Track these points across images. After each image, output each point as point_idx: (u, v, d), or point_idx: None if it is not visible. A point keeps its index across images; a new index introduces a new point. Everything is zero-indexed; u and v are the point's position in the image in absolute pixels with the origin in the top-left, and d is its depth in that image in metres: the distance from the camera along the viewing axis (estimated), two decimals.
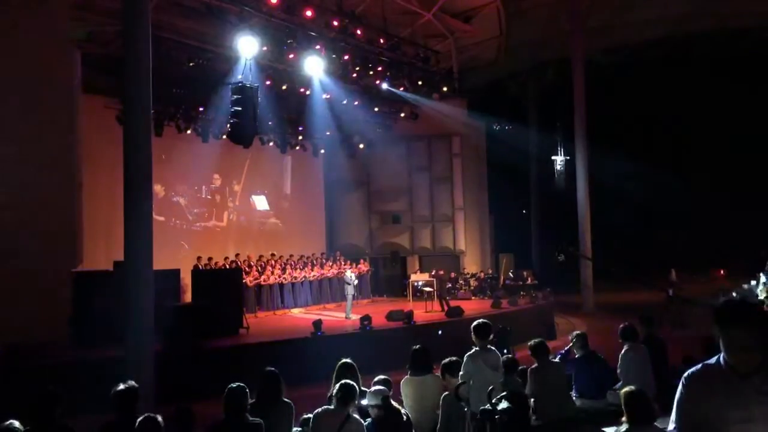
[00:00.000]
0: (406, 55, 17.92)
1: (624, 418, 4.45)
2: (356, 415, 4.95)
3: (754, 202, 29.91)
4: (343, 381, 5.07)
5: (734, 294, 18.34)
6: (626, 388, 4.60)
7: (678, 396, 2.78)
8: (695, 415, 2.68)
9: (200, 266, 16.52)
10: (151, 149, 9.98)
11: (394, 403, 5.36)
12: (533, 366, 6.79)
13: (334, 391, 5.03)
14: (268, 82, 16.74)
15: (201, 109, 17.52)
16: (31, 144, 11.48)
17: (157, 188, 17.75)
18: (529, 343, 7.02)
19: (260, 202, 21.77)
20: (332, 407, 4.95)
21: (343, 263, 20.55)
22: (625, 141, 30.97)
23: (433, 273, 19.22)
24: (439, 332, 14.00)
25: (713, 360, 2.74)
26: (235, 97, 12.45)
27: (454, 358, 6.13)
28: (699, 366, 2.78)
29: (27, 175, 11.37)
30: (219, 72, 16.08)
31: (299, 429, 5.37)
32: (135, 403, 5.07)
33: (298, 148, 21.49)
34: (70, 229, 12.12)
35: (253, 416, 4.82)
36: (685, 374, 2.78)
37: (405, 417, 5.37)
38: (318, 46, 15.49)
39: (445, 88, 20.21)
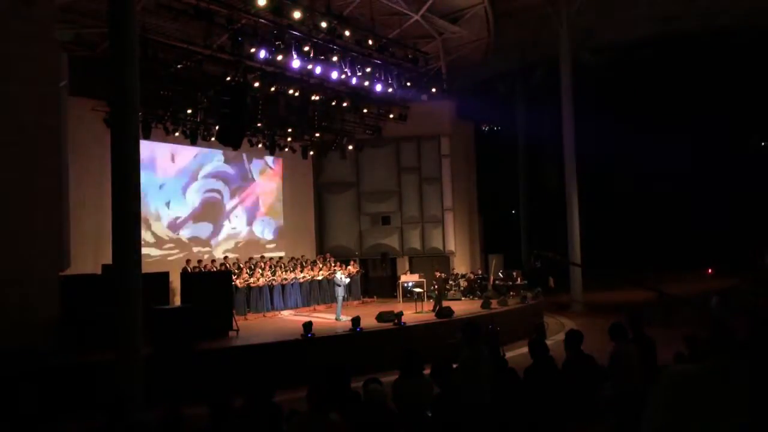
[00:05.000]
0: (394, 56, 17.91)
1: None
2: (334, 416, 4.75)
3: (743, 201, 30.16)
4: (322, 382, 4.87)
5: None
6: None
7: None
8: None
9: (189, 269, 16.43)
10: (139, 151, 9.92)
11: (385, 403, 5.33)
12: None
13: (312, 393, 4.77)
14: (256, 84, 16.70)
15: (189, 111, 17.46)
16: (17, 147, 11.38)
17: None
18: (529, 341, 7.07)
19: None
20: (312, 410, 4.75)
21: (333, 265, 20.52)
22: (615, 141, 31.12)
23: (437, 276, 19.67)
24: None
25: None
26: (224, 98, 12.42)
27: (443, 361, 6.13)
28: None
29: (13, 178, 11.28)
30: (207, 74, 16.03)
31: None
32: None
33: (287, 149, 21.46)
34: (57, 232, 12.00)
35: (242, 419, 4.80)
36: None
37: (392, 416, 5.34)
38: (306, 48, 15.47)
39: (433, 89, 20.25)
